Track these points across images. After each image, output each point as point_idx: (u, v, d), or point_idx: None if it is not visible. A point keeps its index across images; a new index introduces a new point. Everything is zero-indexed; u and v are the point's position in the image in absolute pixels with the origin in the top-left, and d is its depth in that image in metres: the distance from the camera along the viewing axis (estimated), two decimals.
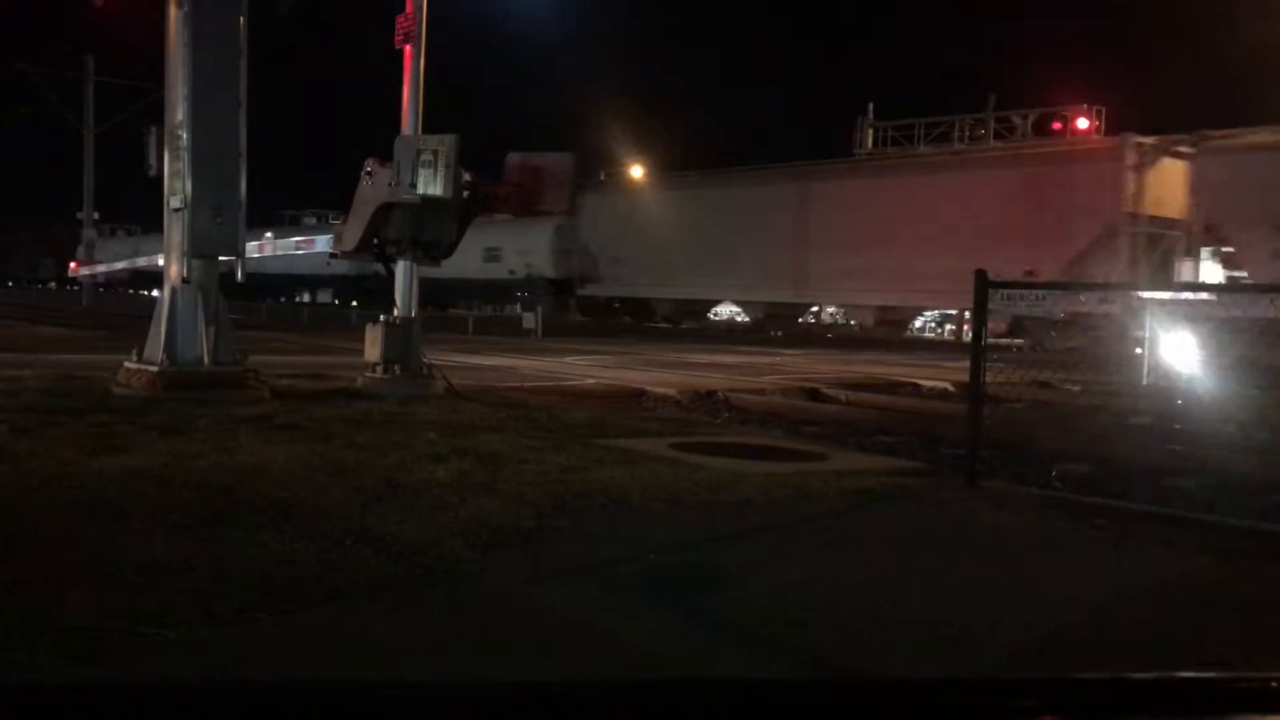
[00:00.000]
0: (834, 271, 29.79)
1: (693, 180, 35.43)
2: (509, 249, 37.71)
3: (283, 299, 48.89)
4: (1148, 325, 18.17)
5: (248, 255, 11.39)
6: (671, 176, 36.69)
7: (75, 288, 52.63)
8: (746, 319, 37.01)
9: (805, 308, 35.37)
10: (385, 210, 11.46)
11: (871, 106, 40.90)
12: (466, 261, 33.52)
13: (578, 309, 38.25)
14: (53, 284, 67.96)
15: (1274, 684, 1.44)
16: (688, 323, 35.91)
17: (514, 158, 11.56)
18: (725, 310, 39.36)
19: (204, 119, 10.60)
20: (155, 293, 15.14)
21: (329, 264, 36.16)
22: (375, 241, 11.86)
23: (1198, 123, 25.08)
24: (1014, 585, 4.94)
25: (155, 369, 10.43)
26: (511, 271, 38.48)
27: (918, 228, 27.18)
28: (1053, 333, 24.71)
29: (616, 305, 37.28)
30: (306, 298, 53.30)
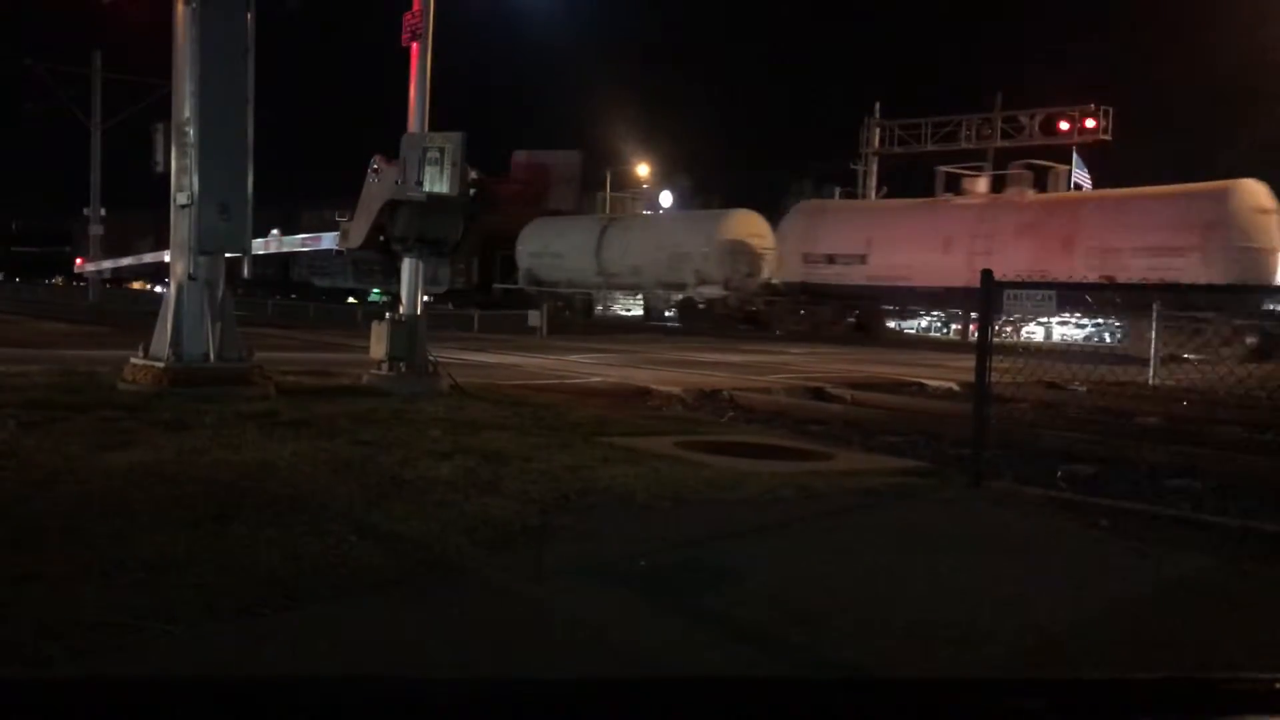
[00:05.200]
0: None
1: None
2: None
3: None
4: (1155, 326, 18.16)
5: (253, 251, 11.41)
6: None
7: (81, 283, 52.71)
8: None
9: None
10: (391, 207, 11.48)
11: (878, 106, 40.83)
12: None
13: None
14: (58, 279, 68.06)
15: (1278, 685, 1.43)
16: None
17: (521, 155, 11.57)
18: None
19: (211, 116, 10.59)
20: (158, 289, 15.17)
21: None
22: (381, 239, 11.89)
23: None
24: (1018, 585, 4.93)
25: (161, 365, 10.45)
26: None
27: None
28: None
29: None
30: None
